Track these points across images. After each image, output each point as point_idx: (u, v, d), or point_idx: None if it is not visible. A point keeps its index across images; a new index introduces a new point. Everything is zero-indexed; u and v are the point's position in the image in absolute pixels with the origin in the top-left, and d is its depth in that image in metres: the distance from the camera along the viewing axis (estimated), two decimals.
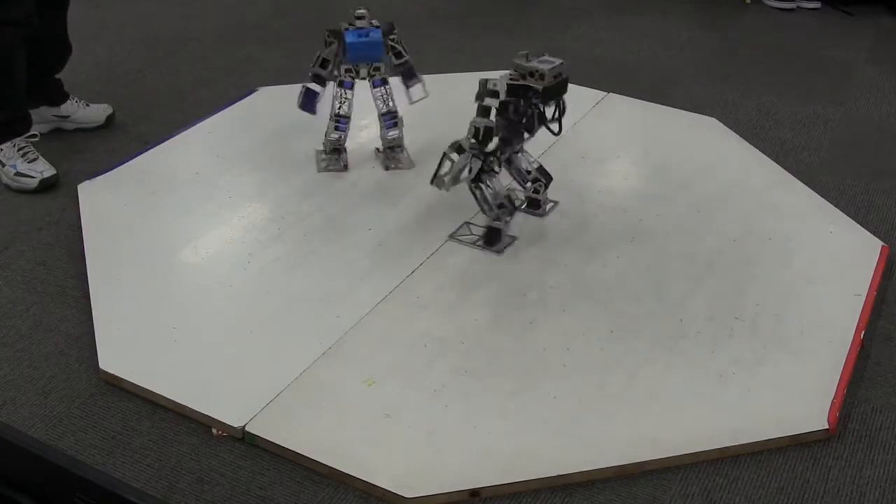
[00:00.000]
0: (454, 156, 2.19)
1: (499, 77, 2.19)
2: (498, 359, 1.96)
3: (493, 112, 2.19)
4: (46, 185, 2.52)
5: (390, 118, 2.57)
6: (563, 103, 2.24)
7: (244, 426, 1.77)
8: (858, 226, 2.40)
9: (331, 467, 1.70)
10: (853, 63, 3.43)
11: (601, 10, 3.86)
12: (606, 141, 2.78)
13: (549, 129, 2.26)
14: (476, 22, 3.73)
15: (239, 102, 2.96)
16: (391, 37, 2.48)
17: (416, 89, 2.55)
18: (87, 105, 2.83)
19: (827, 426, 1.80)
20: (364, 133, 2.75)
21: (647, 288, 2.16)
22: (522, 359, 1.95)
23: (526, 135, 2.29)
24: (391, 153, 2.62)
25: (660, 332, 2.02)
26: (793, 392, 1.87)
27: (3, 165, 2.54)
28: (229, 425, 1.78)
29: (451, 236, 2.31)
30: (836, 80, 3.29)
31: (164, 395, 1.84)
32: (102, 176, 2.56)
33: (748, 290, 2.15)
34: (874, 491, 1.71)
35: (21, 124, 2.58)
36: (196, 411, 1.81)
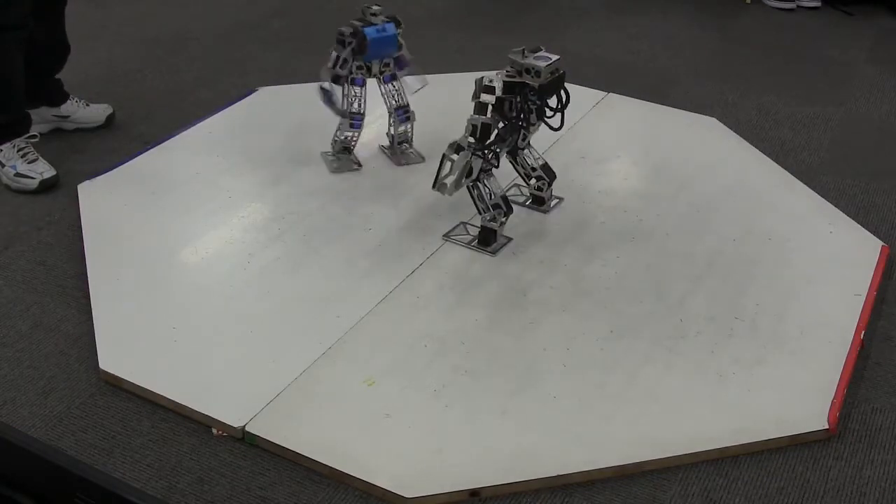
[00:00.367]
0: (454, 156, 2.18)
1: (495, 74, 2.19)
2: (498, 359, 1.96)
3: (490, 109, 2.19)
4: (46, 186, 2.52)
5: (403, 113, 2.58)
6: (567, 96, 2.22)
7: (244, 426, 1.77)
8: (858, 226, 2.40)
9: (331, 467, 1.70)
10: (853, 63, 3.42)
11: (601, 10, 3.86)
12: (606, 141, 2.78)
13: (548, 125, 2.26)
14: (476, 22, 3.73)
15: (239, 102, 2.96)
16: (399, 30, 2.49)
17: (412, 79, 2.56)
18: (87, 105, 2.83)
19: (827, 426, 1.80)
20: (364, 132, 2.75)
21: (647, 288, 2.16)
22: (522, 359, 1.95)
23: (527, 132, 2.28)
24: (400, 148, 2.62)
25: (660, 332, 2.02)
26: (793, 392, 1.88)
27: (3, 166, 2.54)
28: (229, 425, 1.78)
29: (446, 236, 2.31)
30: (836, 80, 3.29)
31: (164, 395, 1.84)
32: (102, 176, 2.56)
33: (748, 290, 2.15)
34: (874, 491, 1.71)
35: (21, 125, 2.57)
36: (196, 411, 1.81)
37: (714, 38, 3.62)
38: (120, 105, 2.92)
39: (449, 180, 2.17)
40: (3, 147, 2.54)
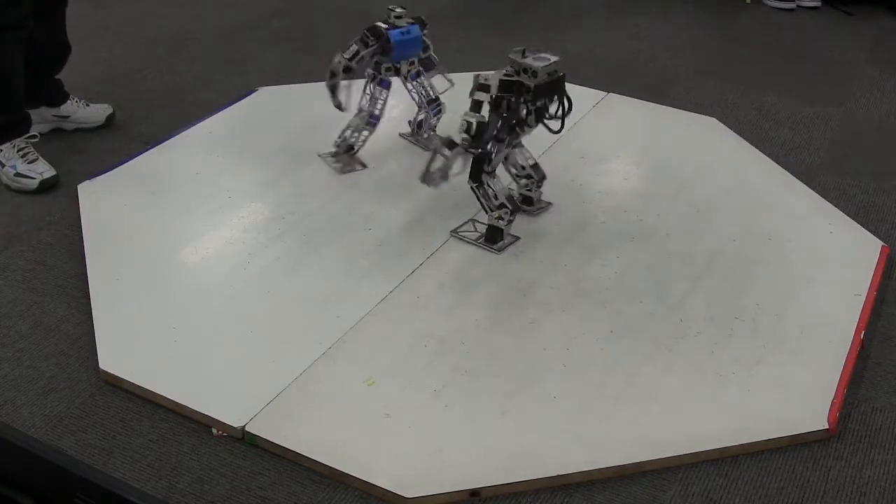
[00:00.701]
0: (446, 151, 2.19)
1: (492, 73, 2.19)
2: (498, 359, 1.96)
3: (486, 107, 2.19)
4: (46, 186, 2.52)
5: (435, 106, 2.63)
6: (569, 101, 2.22)
7: (244, 426, 1.77)
8: (858, 226, 2.40)
9: (331, 467, 1.70)
10: (853, 63, 3.42)
11: (601, 10, 3.86)
12: (606, 141, 2.78)
13: (547, 127, 2.25)
14: (476, 22, 3.73)
15: (239, 102, 2.96)
16: (424, 31, 2.50)
17: (439, 80, 2.62)
18: (87, 105, 2.83)
19: (827, 426, 1.80)
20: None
21: (647, 288, 2.16)
22: (522, 359, 1.95)
23: (520, 132, 2.28)
24: (422, 135, 2.70)
25: (660, 332, 2.02)
26: (793, 392, 1.87)
27: (3, 166, 2.54)
28: (229, 425, 1.78)
29: (454, 231, 2.32)
30: (836, 80, 3.29)
31: (164, 395, 1.84)
32: (102, 176, 2.56)
33: (748, 290, 2.15)
34: (874, 491, 1.71)
35: (21, 125, 2.57)
36: (196, 411, 1.81)
37: (714, 38, 3.62)
38: (120, 105, 2.92)
39: (437, 173, 2.19)
40: (3, 147, 2.54)
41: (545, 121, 2.24)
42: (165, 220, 2.38)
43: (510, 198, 2.27)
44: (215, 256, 2.25)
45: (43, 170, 2.54)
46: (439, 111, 2.64)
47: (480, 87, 2.19)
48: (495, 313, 2.08)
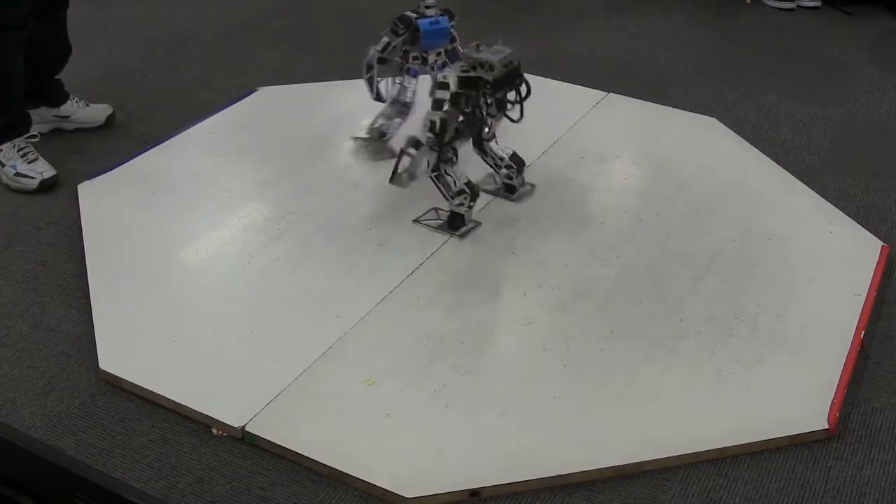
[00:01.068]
0: (412, 151, 2.22)
1: (449, 71, 2.22)
2: (498, 359, 1.96)
3: (447, 104, 2.22)
4: (46, 186, 2.52)
5: None
6: (528, 87, 2.26)
7: (244, 426, 1.77)
8: (858, 226, 2.40)
9: (331, 467, 1.70)
10: (853, 63, 3.42)
11: (601, 10, 3.86)
12: (606, 141, 2.78)
13: (508, 117, 2.30)
14: (476, 22, 3.72)
15: (239, 102, 2.96)
16: (452, 23, 2.51)
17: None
18: (87, 105, 2.83)
19: (827, 426, 1.80)
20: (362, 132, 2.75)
21: (647, 288, 2.16)
22: (522, 359, 1.95)
23: (484, 125, 2.32)
24: None
25: (660, 332, 2.02)
26: (793, 392, 1.87)
27: (3, 166, 2.54)
28: (229, 425, 1.78)
29: (417, 220, 2.35)
30: (836, 80, 3.29)
31: (164, 395, 1.84)
32: (102, 176, 2.56)
33: (748, 290, 2.15)
34: (874, 491, 1.71)
35: (21, 125, 2.57)
36: (196, 411, 1.81)
37: (714, 38, 3.61)
38: (120, 105, 2.92)
39: (405, 175, 2.24)
40: (2, 147, 2.54)
41: (506, 112, 2.29)
42: (165, 220, 2.38)
43: (469, 184, 2.30)
44: (215, 256, 2.25)
45: (43, 169, 2.54)
46: None
47: (441, 85, 2.22)
48: (495, 313, 2.08)
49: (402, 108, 2.59)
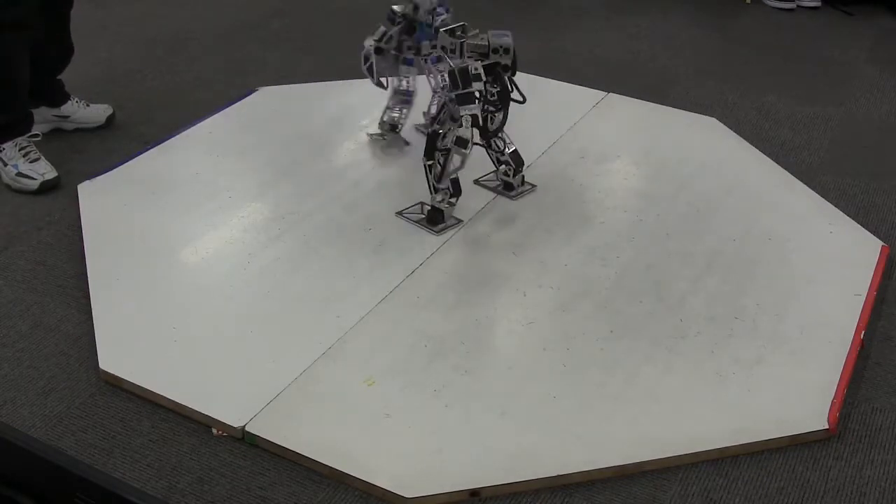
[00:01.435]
0: (463, 151, 2.21)
1: (468, 64, 2.22)
2: (498, 359, 1.96)
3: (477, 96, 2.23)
4: (47, 188, 2.52)
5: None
6: (514, 66, 2.29)
7: (244, 426, 1.77)
8: (858, 226, 2.40)
9: (331, 467, 1.70)
10: (853, 63, 3.42)
11: (601, 10, 3.85)
12: (606, 141, 2.78)
13: (514, 99, 2.30)
14: (476, 22, 3.72)
15: (239, 102, 2.96)
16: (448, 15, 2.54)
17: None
18: (88, 105, 2.83)
19: (827, 426, 1.80)
20: (364, 131, 2.76)
21: (647, 288, 2.16)
22: (522, 359, 1.95)
23: (493, 114, 2.32)
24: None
25: (660, 332, 2.02)
26: (793, 392, 1.88)
27: (5, 165, 2.54)
28: (229, 425, 1.78)
29: (400, 213, 2.37)
30: (836, 80, 3.29)
31: (164, 395, 1.84)
32: (102, 176, 2.56)
33: (748, 290, 2.15)
34: (874, 491, 1.71)
35: (23, 125, 2.57)
36: (196, 411, 1.81)
37: (714, 38, 3.61)
38: (120, 105, 2.92)
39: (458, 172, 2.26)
40: (5, 146, 2.54)
41: (510, 96, 2.29)
42: (165, 220, 2.38)
43: (454, 181, 2.30)
44: (215, 256, 2.25)
45: (45, 170, 2.53)
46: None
47: (475, 77, 2.20)
48: (495, 313, 2.08)
49: (403, 97, 2.64)
